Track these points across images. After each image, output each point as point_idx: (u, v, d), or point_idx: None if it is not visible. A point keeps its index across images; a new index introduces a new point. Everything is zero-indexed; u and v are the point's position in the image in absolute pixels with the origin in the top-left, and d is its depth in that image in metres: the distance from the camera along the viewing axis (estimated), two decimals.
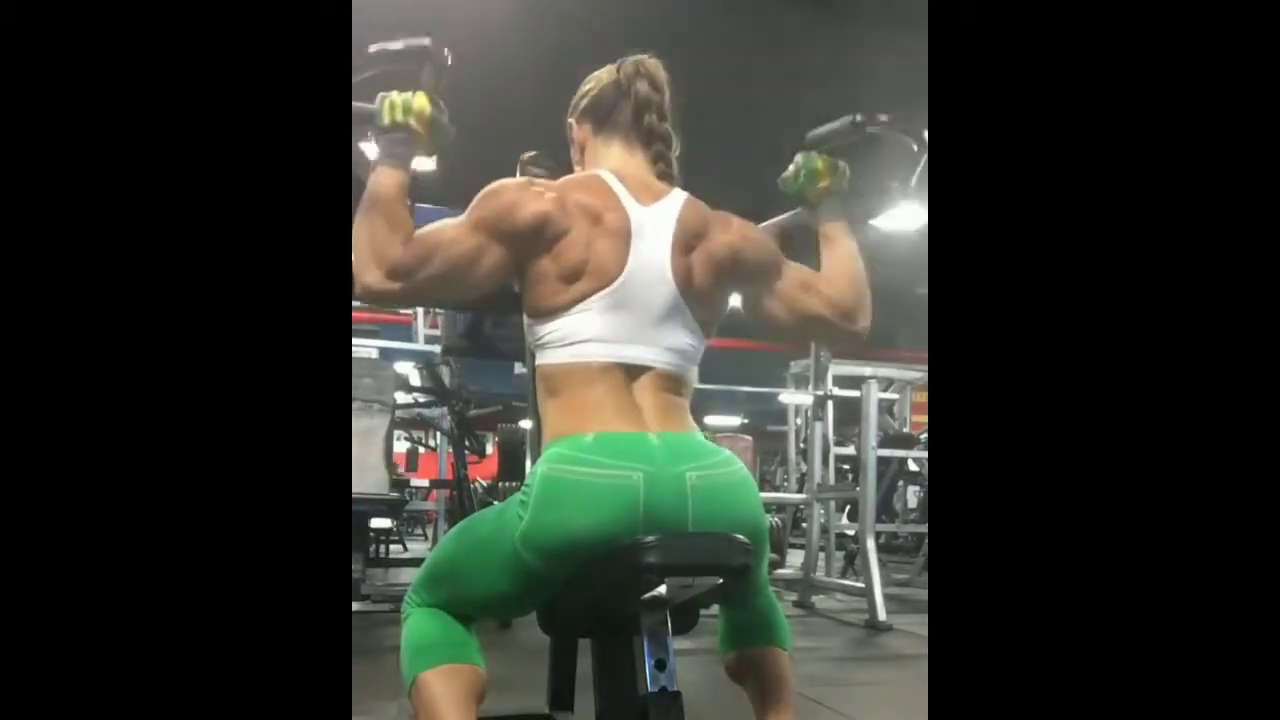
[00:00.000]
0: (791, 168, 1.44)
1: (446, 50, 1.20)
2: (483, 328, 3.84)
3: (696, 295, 1.24)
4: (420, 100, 1.20)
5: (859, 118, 1.37)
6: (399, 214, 1.16)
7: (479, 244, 1.18)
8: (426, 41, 1.19)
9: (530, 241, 1.19)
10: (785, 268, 1.35)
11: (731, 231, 1.29)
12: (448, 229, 1.19)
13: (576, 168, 1.38)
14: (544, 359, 1.21)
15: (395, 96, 1.20)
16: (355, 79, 1.15)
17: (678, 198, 1.27)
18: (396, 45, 1.19)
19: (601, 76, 1.36)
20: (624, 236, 1.20)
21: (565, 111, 1.40)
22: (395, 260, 1.14)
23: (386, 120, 1.20)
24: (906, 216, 5.78)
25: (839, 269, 1.38)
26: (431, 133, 1.22)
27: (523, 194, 1.19)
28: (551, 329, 1.19)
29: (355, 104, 1.17)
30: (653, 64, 1.33)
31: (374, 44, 1.18)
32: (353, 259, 1.14)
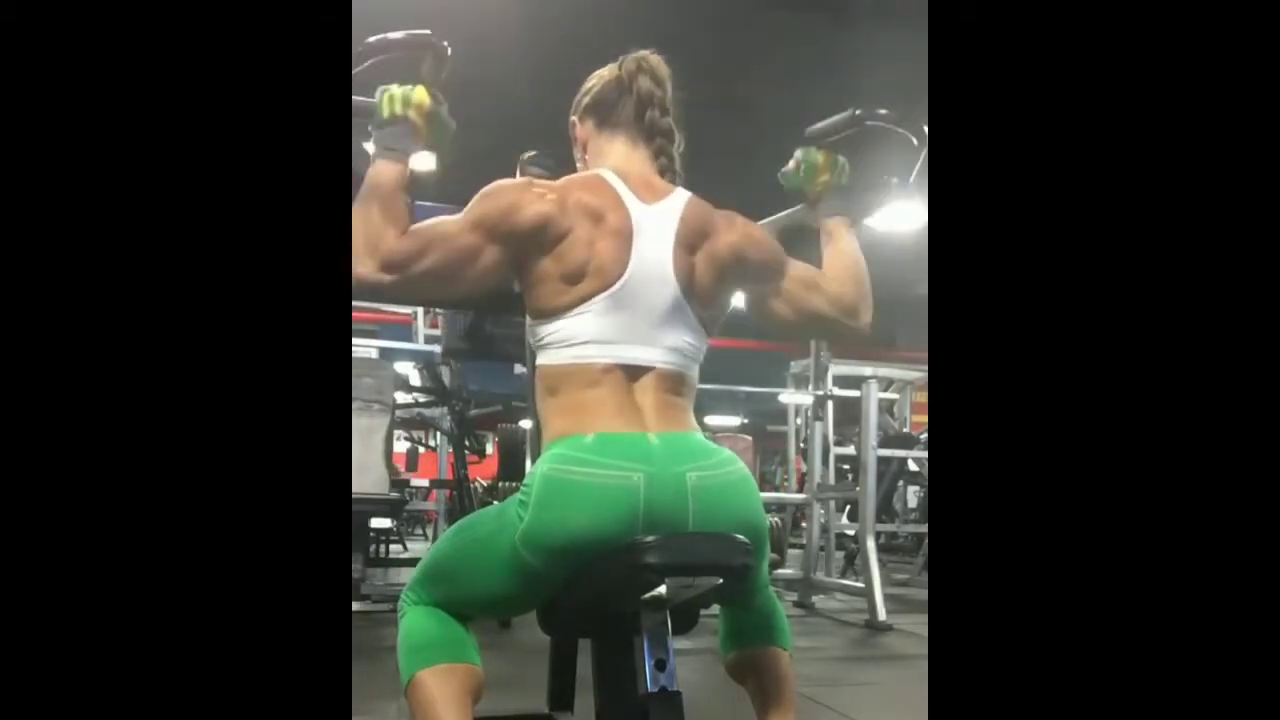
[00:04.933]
0: (791, 163, 1.44)
1: (446, 43, 1.20)
2: (483, 328, 3.83)
3: (699, 295, 1.24)
4: (419, 94, 1.20)
5: (858, 111, 1.37)
6: (396, 206, 1.15)
7: (476, 243, 1.17)
8: (427, 33, 1.20)
9: (531, 243, 1.19)
10: (788, 266, 1.35)
11: (735, 231, 1.29)
12: (445, 224, 1.18)
13: (579, 165, 1.38)
14: (545, 359, 1.21)
15: (395, 90, 1.20)
16: (355, 69, 1.15)
17: (680, 196, 1.27)
18: (397, 36, 1.19)
19: (604, 74, 1.36)
20: (626, 236, 1.20)
21: (566, 110, 1.40)
22: (389, 252, 1.13)
23: (386, 114, 1.20)
24: (906, 216, 5.78)
25: (841, 265, 1.39)
26: (431, 126, 1.21)
27: (523, 195, 1.19)
28: (553, 330, 1.19)
29: (355, 98, 1.17)
30: (655, 60, 1.33)
31: (374, 35, 1.18)
32: (353, 249, 1.13)
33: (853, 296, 1.36)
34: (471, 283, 1.20)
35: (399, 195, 1.17)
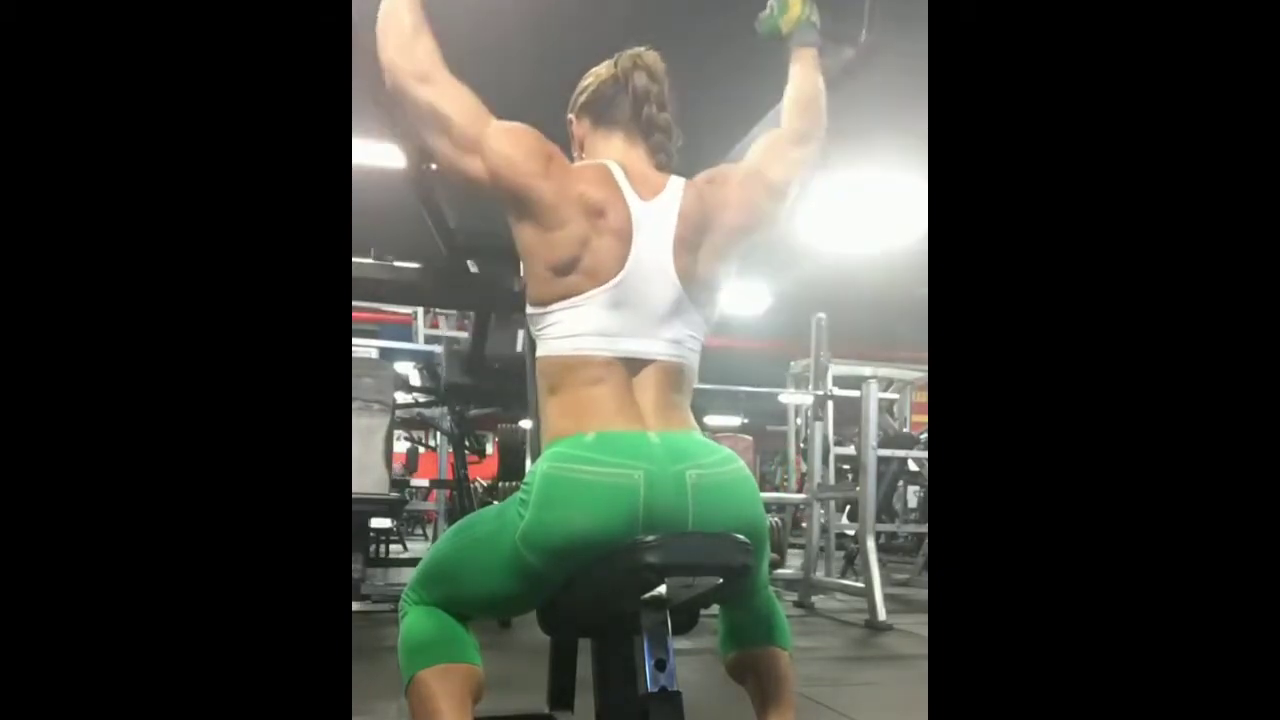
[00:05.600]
0: (765, 9, 1.52)
1: None
2: (482, 355, 3.79)
3: (700, 289, 1.24)
4: None
5: None
6: (422, 16, 1.22)
7: (476, 138, 1.21)
8: None
9: (516, 204, 1.21)
10: (767, 169, 1.37)
11: (729, 205, 1.29)
12: (476, 102, 1.23)
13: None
14: (545, 350, 1.21)
15: None
16: None
17: (676, 188, 1.27)
18: None
19: (600, 72, 1.36)
20: (625, 236, 1.20)
21: (563, 109, 1.40)
22: (422, 58, 1.20)
23: None
24: (907, 217, 5.79)
25: (798, 94, 1.47)
26: None
27: (531, 163, 1.21)
28: (550, 321, 1.20)
29: None
30: (651, 56, 1.34)
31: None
32: (379, 37, 1.21)
33: (807, 124, 1.43)
34: (450, 159, 1.23)
35: (424, 9, 1.23)
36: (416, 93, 1.21)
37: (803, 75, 1.49)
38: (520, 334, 3.45)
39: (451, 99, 1.21)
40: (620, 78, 1.33)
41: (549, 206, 1.19)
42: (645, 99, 1.31)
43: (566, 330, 1.18)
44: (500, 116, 1.24)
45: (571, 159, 1.39)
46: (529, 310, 1.24)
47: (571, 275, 1.18)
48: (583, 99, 1.36)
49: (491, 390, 4.03)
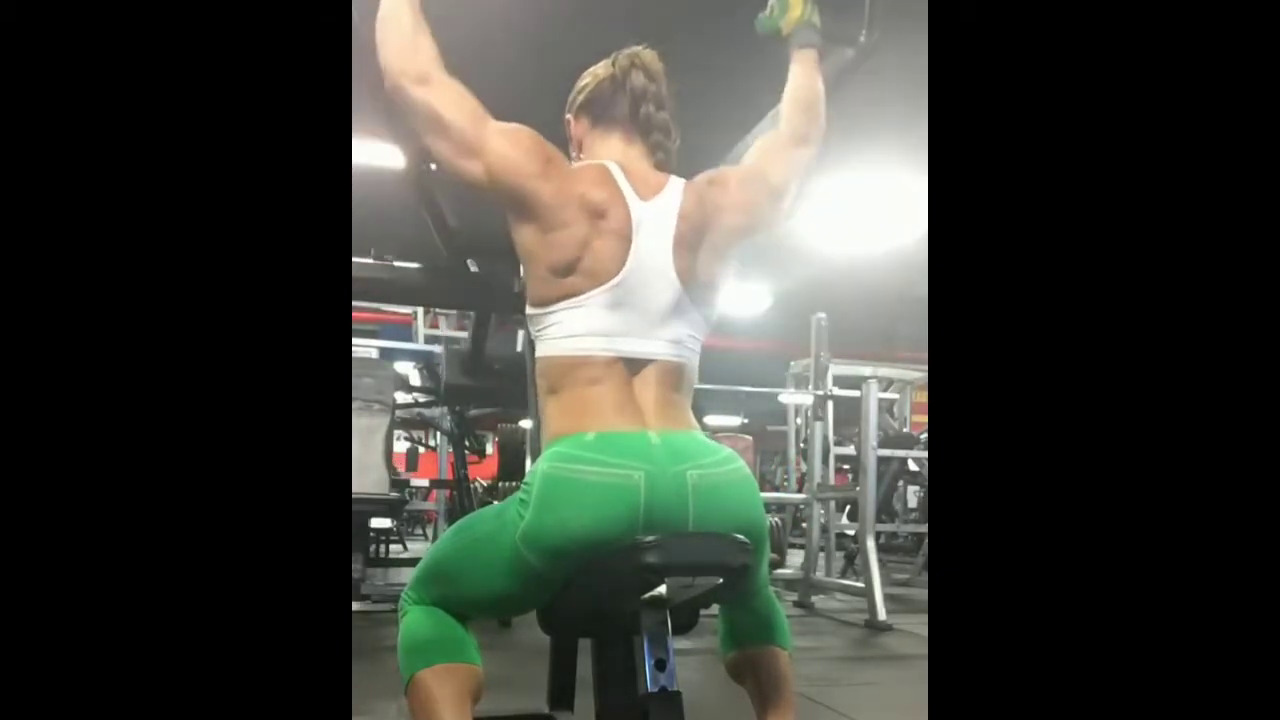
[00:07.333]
0: (766, 9, 1.50)
1: None
2: (483, 356, 3.79)
3: (701, 288, 1.24)
4: None
5: None
6: (423, 23, 1.23)
7: (475, 142, 1.21)
8: None
9: (516, 205, 1.21)
10: (767, 174, 1.36)
11: (727, 206, 1.29)
12: (476, 106, 1.23)
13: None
14: (544, 350, 1.21)
15: None
16: None
17: (675, 188, 1.27)
18: None
19: (598, 71, 1.36)
20: (624, 236, 1.20)
21: (562, 109, 1.40)
22: (423, 65, 1.20)
23: None
24: (907, 218, 5.79)
25: (796, 95, 1.45)
26: None
27: (532, 164, 1.21)
28: (550, 321, 1.20)
29: None
30: (648, 55, 1.34)
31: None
32: (378, 39, 1.22)
33: (807, 126, 1.42)
34: (449, 161, 1.23)
35: (423, 16, 1.23)
36: (415, 94, 1.20)
37: (803, 77, 1.47)
38: (520, 334, 3.45)
39: (450, 101, 1.21)
40: (618, 77, 1.33)
41: (549, 207, 1.19)
42: (643, 98, 1.31)
43: (566, 330, 1.19)
44: (499, 116, 1.24)
45: (570, 159, 1.39)
46: (529, 311, 1.24)
47: (572, 276, 1.19)
48: (580, 99, 1.36)
49: (492, 390, 4.03)
